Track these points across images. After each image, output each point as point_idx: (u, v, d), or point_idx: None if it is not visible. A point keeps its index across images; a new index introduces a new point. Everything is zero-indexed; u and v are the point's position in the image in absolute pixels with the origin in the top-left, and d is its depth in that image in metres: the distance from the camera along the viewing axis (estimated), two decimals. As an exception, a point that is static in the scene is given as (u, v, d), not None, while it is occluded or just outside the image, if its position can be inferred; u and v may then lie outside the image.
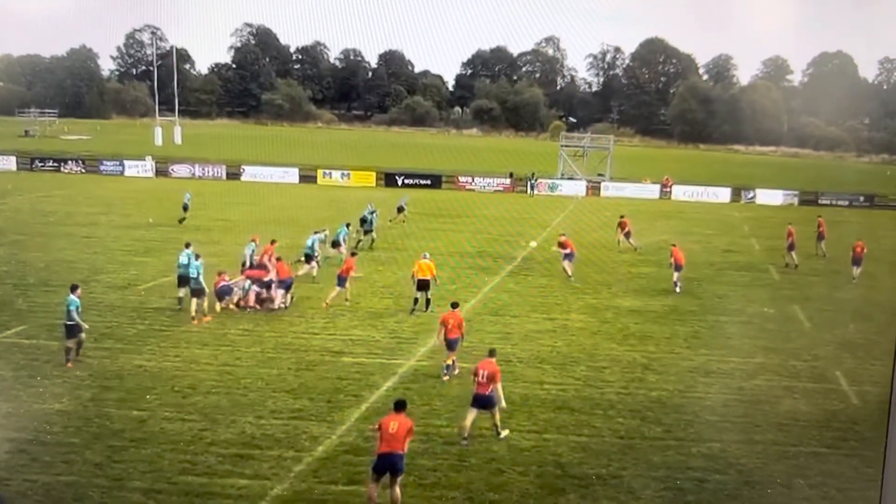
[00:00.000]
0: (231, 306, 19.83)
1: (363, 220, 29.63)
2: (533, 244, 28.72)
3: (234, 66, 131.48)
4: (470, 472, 11.77)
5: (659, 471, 12.09)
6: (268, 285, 20.26)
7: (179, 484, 11.09)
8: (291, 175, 55.37)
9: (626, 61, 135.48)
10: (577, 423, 13.71)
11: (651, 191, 54.40)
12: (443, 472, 11.69)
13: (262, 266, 20.78)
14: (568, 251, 25.15)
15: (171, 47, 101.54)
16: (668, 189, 54.27)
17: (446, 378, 15.57)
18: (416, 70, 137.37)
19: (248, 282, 20.36)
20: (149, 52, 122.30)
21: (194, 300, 18.95)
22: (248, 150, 67.99)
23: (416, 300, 20.37)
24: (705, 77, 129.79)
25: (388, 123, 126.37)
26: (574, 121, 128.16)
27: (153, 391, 14.38)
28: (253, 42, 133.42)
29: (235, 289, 20.09)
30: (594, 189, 54.58)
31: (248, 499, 10.82)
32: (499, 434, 12.85)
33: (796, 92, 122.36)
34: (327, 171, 55.72)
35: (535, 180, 53.25)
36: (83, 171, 55.33)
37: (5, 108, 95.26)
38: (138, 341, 17.12)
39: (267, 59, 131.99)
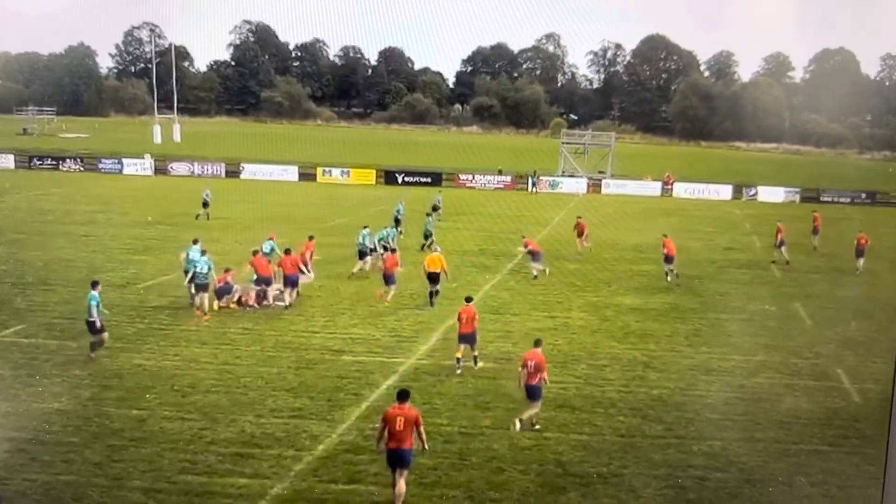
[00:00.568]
0: (231, 305, 19.77)
1: (397, 221, 29.97)
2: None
3: (233, 63, 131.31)
4: (471, 470, 11.73)
5: (660, 469, 12.06)
6: (269, 282, 20.18)
7: (179, 483, 11.06)
8: (291, 173, 55.34)
9: (627, 58, 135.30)
10: (577, 421, 13.67)
11: (652, 188, 54.36)
12: (443, 470, 11.66)
13: (303, 264, 21.10)
14: (529, 249, 24.93)
15: (170, 45, 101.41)
16: (670, 186, 54.23)
17: (459, 371, 15.75)
18: (416, 67, 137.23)
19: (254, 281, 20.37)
20: (147, 49, 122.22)
21: (198, 295, 19.10)
22: (247, 147, 67.94)
23: (430, 293, 20.77)
24: (707, 74, 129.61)
25: (388, 121, 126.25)
26: (575, 118, 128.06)
27: (153, 390, 14.34)
28: (252, 39, 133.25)
29: (236, 287, 20.02)
30: (595, 186, 54.54)
31: (248, 498, 10.78)
32: (534, 426, 13.17)
33: (798, 88, 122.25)
34: (327, 169, 55.69)
35: (537, 178, 53.16)
36: (82, 169, 55.30)
37: (3, 106, 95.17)
38: (137, 340, 17.08)
39: (266, 57, 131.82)
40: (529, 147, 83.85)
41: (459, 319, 15.85)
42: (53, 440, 12.25)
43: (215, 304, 19.63)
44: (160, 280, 22.63)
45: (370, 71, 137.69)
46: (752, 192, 53.52)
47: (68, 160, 56.30)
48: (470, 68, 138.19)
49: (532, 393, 13.05)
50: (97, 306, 15.66)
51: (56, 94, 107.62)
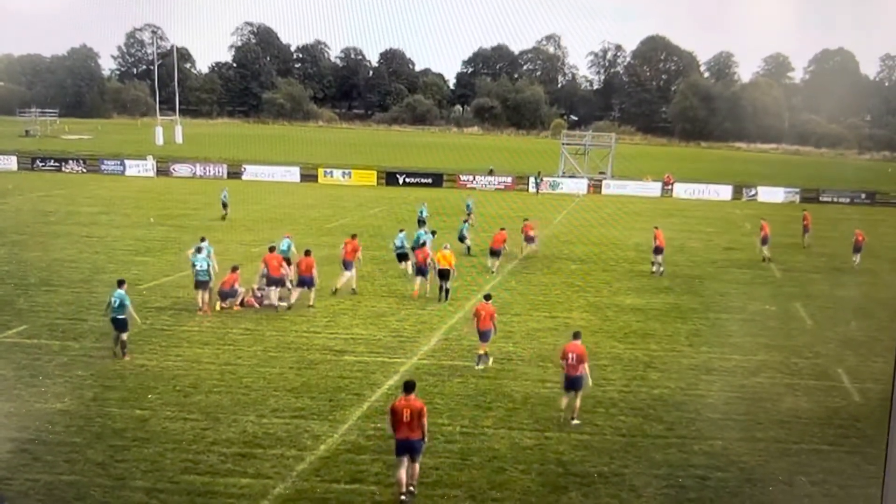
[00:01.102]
0: (235, 307, 19.76)
1: (421, 222, 30.02)
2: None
3: (234, 65, 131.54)
4: (472, 470, 11.76)
5: (661, 468, 12.08)
6: (281, 282, 20.13)
7: (181, 483, 11.09)
8: (292, 174, 55.41)
9: (628, 59, 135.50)
10: (578, 420, 13.69)
11: (652, 189, 54.39)
12: (445, 470, 11.69)
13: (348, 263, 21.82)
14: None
15: (172, 46, 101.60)
16: (670, 187, 54.27)
17: (478, 367, 15.95)
18: (417, 68, 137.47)
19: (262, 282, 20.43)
20: (149, 51, 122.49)
21: (197, 292, 19.40)
22: (249, 149, 68.06)
23: (440, 289, 21.35)
24: (706, 74, 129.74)
25: (389, 122, 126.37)
26: (575, 119, 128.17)
27: (155, 390, 14.38)
28: (254, 41, 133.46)
29: (240, 290, 20.00)
30: (595, 187, 54.58)
31: (250, 498, 10.81)
32: (573, 419, 13.39)
33: (797, 89, 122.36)
34: (328, 170, 55.76)
35: (541, 179, 53.20)
36: (84, 170, 55.40)
37: (6, 108, 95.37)
38: (140, 340, 17.10)
39: (268, 58, 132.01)
40: (530, 148, 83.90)
41: (478, 316, 16.12)
42: (56, 440, 12.28)
43: (217, 305, 19.69)
44: (162, 281, 22.69)
45: (371, 72, 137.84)
46: (752, 192, 53.54)
47: (71, 161, 56.40)
48: (471, 69, 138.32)
49: (575, 384, 13.41)
50: (129, 304, 16.04)
51: (58, 96, 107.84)
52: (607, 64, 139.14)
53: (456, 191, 52.14)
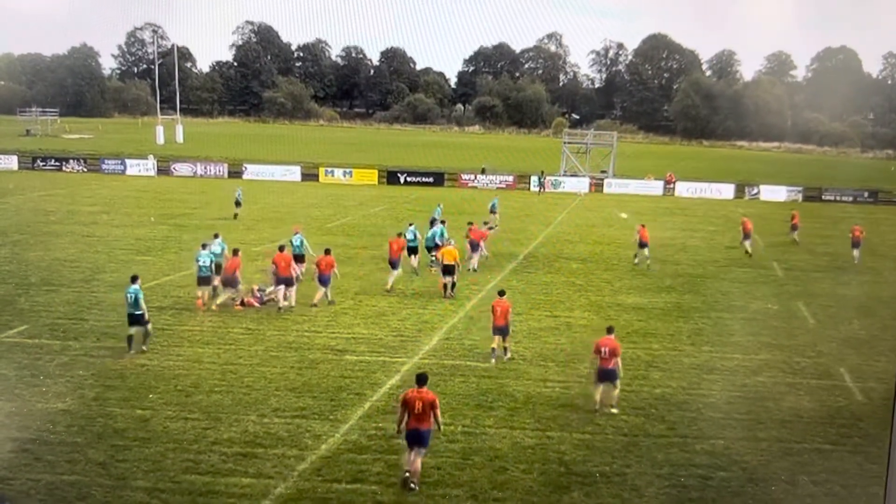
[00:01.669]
0: (236, 307, 19.69)
1: (433, 222, 29.78)
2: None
3: (235, 63, 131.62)
4: (473, 469, 11.74)
5: (663, 468, 12.05)
6: (290, 282, 20.03)
7: (183, 483, 11.07)
8: (293, 173, 55.42)
9: (629, 57, 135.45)
10: (580, 420, 13.67)
11: (654, 187, 54.35)
12: (446, 469, 11.67)
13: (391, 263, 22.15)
14: (473, 241, 24.97)
15: (173, 45, 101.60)
16: (672, 186, 54.22)
17: (494, 361, 16.24)
18: (418, 67, 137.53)
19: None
20: (150, 50, 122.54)
21: (199, 288, 19.65)
22: (249, 148, 68.13)
23: (444, 286, 21.72)
24: (708, 73, 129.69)
25: (390, 121, 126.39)
26: (577, 117, 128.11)
27: (156, 390, 14.37)
28: (254, 40, 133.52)
29: (240, 287, 19.93)
30: (597, 186, 54.54)
31: (252, 497, 10.80)
32: (612, 407, 13.92)
33: (800, 87, 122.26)
34: (329, 169, 55.75)
35: (544, 178, 53.20)
36: (85, 170, 55.43)
37: (7, 108, 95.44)
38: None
39: (268, 57, 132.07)
40: (532, 147, 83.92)
41: (494, 312, 16.41)
42: (57, 440, 12.27)
43: (213, 305, 19.63)
44: (163, 280, 22.68)
45: (372, 71, 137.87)
46: (755, 191, 53.49)
47: (71, 161, 56.44)
48: (472, 68, 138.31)
49: (609, 376, 13.96)
50: (143, 299, 16.27)
51: (59, 96, 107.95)
52: (609, 62, 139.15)
53: (457, 190, 52.15)
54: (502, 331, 16.41)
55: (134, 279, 16.50)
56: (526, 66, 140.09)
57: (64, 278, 22.62)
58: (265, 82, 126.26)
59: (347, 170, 55.81)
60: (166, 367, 15.53)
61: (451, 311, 20.46)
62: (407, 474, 11.07)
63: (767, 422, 13.93)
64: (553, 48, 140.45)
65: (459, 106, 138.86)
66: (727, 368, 16.72)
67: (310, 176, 55.08)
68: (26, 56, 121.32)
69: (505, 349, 16.55)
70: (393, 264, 22.31)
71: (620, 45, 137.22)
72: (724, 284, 25.07)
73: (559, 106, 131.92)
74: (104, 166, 55.64)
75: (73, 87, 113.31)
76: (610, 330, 14.47)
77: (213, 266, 19.87)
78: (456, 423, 13.19)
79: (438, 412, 11.21)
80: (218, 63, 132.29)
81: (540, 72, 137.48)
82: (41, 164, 55.85)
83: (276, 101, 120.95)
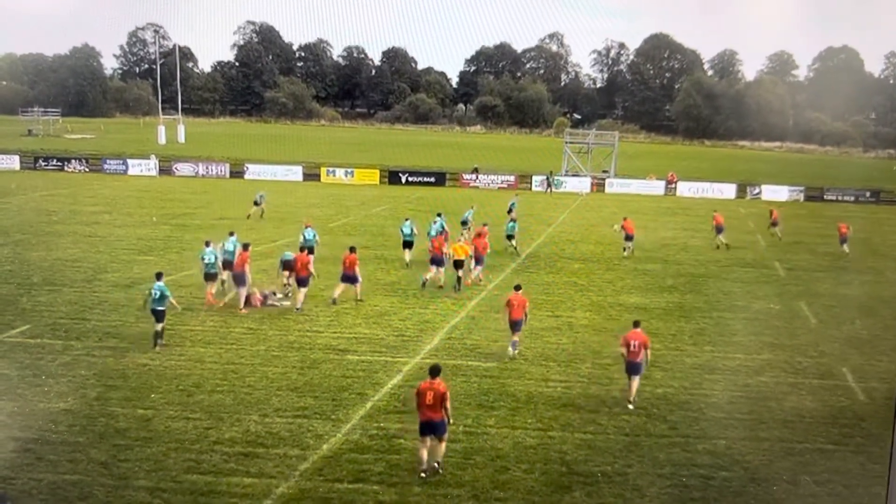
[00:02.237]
0: (241, 311, 19.54)
1: (464, 222, 30.11)
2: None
3: (237, 63, 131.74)
4: (475, 469, 11.74)
5: (664, 468, 12.04)
6: (307, 282, 19.96)
7: (184, 482, 11.08)
8: (295, 173, 55.43)
9: (631, 57, 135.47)
10: (582, 420, 13.67)
11: (656, 187, 54.32)
12: (448, 469, 11.66)
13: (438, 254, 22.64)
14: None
15: (174, 45, 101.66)
16: (673, 185, 54.19)
17: (514, 353, 16.64)
18: (420, 67, 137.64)
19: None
20: (151, 50, 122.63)
21: (207, 284, 19.93)
22: (251, 148, 68.10)
23: (457, 278, 22.39)
24: (710, 72, 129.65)
25: (392, 121, 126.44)
26: (579, 117, 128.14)
27: (158, 390, 14.38)
28: (256, 40, 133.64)
29: (249, 280, 19.77)
30: (599, 186, 54.51)
31: (253, 497, 10.80)
32: (630, 403, 14.20)
33: (802, 87, 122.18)
34: (331, 169, 55.77)
35: (553, 178, 53.25)
36: (86, 169, 55.48)
37: (9, 108, 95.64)
38: (143, 340, 17.09)
39: (270, 57, 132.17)
40: (533, 147, 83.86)
41: (510, 306, 16.68)
42: (59, 440, 12.28)
43: (220, 302, 19.68)
44: (164, 280, 22.62)
45: (374, 71, 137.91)
46: (756, 190, 53.43)
47: (73, 161, 56.49)
48: (473, 68, 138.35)
49: (636, 369, 14.31)
50: (170, 295, 16.73)
51: (61, 96, 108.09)
52: (610, 62, 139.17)
53: (458, 189, 52.13)
54: (517, 325, 16.71)
55: (159, 276, 16.99)
56: (527, 65, 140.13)
57: (66, 278, 22.64)
58: (267, 82, 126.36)
59: (349, 170, 55.83)
60: (168, 367, 15.54)
61: (452, 310, 20.46)
62: (422, 466, 11.39)
63: (769, 422, 13.92)
64: (555, 48, 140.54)
65: (461, 106, 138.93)
66: (729, 368, 16.70)
67: (311, 176, 55.09)
68: (28, 56, 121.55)
69: (515, 343, 16.78)
70: (437, 261, 22.55)
71: (622, 45, 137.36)
72: (725, 284, 25.05)
73: (561, 106, 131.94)
74: (106, 166, 55.67)
75: (74, 87, 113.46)
76: (637, 324, 14.83)
77: (219, 263, 20.21)
78: (457, 423, 13.16)
79: (448, 404, 11.50)
80: (219, 63, 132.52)
81: (541, 71, 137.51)
82: (43, 164, 55.90)
83: (278, 101, 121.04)
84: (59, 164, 55.92)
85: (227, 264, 20.68)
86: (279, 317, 19.26)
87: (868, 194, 53.54)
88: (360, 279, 20.69)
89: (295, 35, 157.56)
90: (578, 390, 15.03)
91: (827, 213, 44.06)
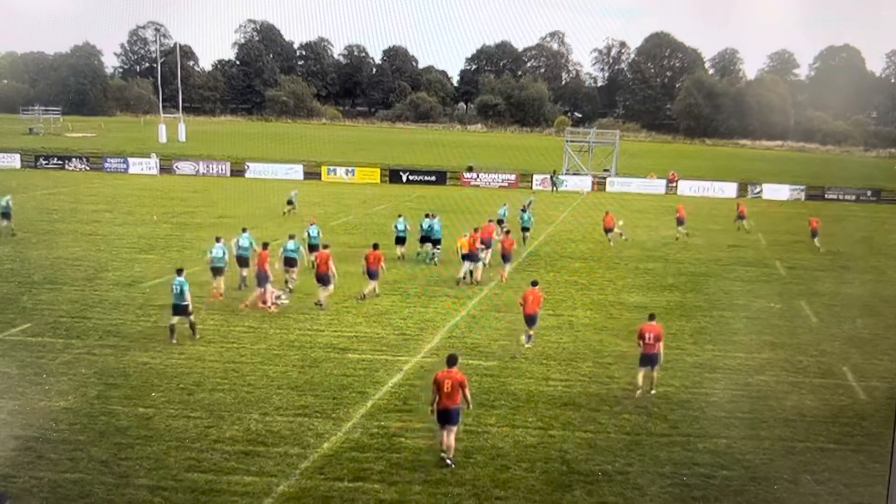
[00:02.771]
0: (259, 304, 19.49)
1: (500, 222, 30.23)
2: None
3: (237, 62, 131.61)
4: (476, 468, 11.74)
5: (665, 467, 12.05)
6: (326, 281, 19.93)
7: (185, 481, 11.09)
8: (296, 172, 55.39)
9: (632, 56, 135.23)
10: (582, 419, 13.67)
11: (657, 186, 54.28)
12: (449, 468, 11.66)
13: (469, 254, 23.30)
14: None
15: (175, 44, 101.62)
16: (674, 184, 54.15)
17: (527, 345, 17.16)
18: (421, 66, 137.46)
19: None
20: (152, 49, 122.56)
21: (215, 279, 20.27)
22: (252, 146, 68.08)
23: (468, 271, 23.27)
24: (711, 71, 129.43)
25: (393, 120, 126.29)
26: (579, 116, 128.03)
27: (158, 388, 14.38)
28: (257, 38, 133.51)
29: (271, 278, 19.77)
30: (599, 184, 54.49)
31: (254, 496, 10.81)
32: (651, 390, 14.70)
33: (803, 86, 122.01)
34: (332, 168, 55.76)
35: (557, 177, 53.38)
36: (87, 168, 55.50)
37: (9, 106, 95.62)
38: (143, 339, 17.13)
39: (271, 56, 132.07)
40: (534, 145, 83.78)
41: (525, 301, 17.20)
42: (60, 438, 12.29)
43: (242, 305, 19.57)
44: (165, 279, 22.58)
45: (374, 70, 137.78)
46: (757, 189, 53.39)
47: (74, 159, 56.51)
48: (474, 66, 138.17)
49: (652, 360, 14.61)
50: (188, 290, 16.97)
51: (61, 94, 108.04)
52: (611, 61, 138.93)
53: (459, 188, 52.11)
54: (531, 319, 17.21)
55: (180, 271, 17.23)
56: (528, 64, 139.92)
57: (67, 276, 22.65)
58: (267, 81, 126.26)
59: (350, 168, 55.82)
60: (169, 366, 15.55)
61: (453, 309, 20.46)
62: (443, 454, 11.69)
63: (770, 420, 13.92)
64: (555, 46, 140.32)
65: (462, 104, 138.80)
66: (730, 367, 16.70)
67: (312, 174, 55.07)
68: (29, 54, 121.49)
69: (529, 336, 17.34)
70: (471, 257, 23.26)
71: (623, 44, 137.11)
72: (726, 283, 25.04)
73: (562, 104, 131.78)
74: (107, 165, 55.68)
75: (75, 86, 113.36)
76: (652, 316, 15.14)
77: (227, 258, 20.55)
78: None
79: (468, 391, 11.89)
80: (220, 61, 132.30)
81: (542, 70, 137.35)
82: (44, 162, 55.92)
83: (279, 99, 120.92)
84: (59, 162, 55.94)
85: (241, 260, 21.15)
86: (280, 315, 19.26)
87: (869, 193, 53.49)
88: (377, 277, 21.19)
89: (296, 33, 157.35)
90: (579, 389, 15.03)
91: (828, 212, 44.02)
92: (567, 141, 60.96)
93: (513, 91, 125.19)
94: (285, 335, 17.72)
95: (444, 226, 26.77)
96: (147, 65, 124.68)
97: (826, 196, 52.74)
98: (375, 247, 21.33)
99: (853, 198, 52.77)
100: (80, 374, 14.96)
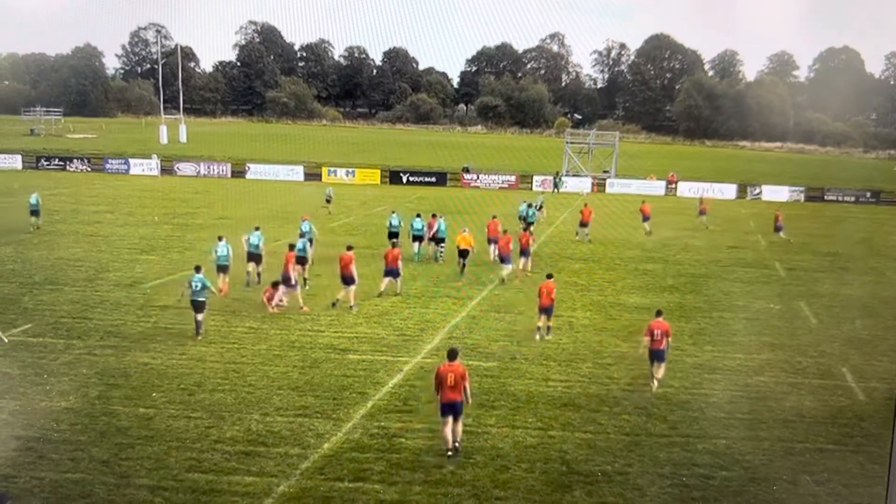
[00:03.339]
0: (265, 301, 19.55)
1: (522, 217, 32.04)
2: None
3: (238, 63, 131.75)
4: (475, 468, 11.77)
5: (664, 467, 12.07)
6: (353, 280, 19.91)
7: (186, 481, 11.12)
8: (296, 173, 55.49)
9: (632, 57, 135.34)
10: (582, 419, 13.69)
11: (656, 187, 54.32)
12: (448, 468, 11.70)
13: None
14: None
15: (176, 45, 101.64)
16: (674, 186, 54.20)
17: (538, 338, 17.82)
18: (421, 67, 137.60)
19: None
20: (153, 50, 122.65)
21: (219, 276, 20.51)
22: (252, 147, 68.14)
23: (462, 265, 24.25)
24: (711, 73, 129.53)
25: (393, 121, 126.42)
26: (579, 117, 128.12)
27: (159, 389, 14.41)
28: (257, 40, 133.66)
29: (295, 280, 19.82)
30: (599, 186, 54.53)
31: (254, 496, 10.83)
32: (656, 382, 14.97)
33: (802, 87, 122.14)
34: (332, 169, 55.81)
35: (559, 178, 53.49)
36: (88, 169, 55.55)
37: (11, 107, 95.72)
38: (144, 339, 17.16)
39: (271, 57, 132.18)
40: (534, 147, 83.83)
41: (540, 294, 17.80)
42: (61, 438, 12.31)
43: (270, 308, 19.49)
44: (166, 279, 22.72)
45: (375, 71, 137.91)
46: (757, 191, 53.45)
47: (75, 160, 56.56)
48: (474, 68, 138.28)
49: (660, 356, 14.98)
50: (210, 285, 17.49)
51: (63, 95, 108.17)
52: (611, 62, 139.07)
53: (459, 189, 52.15)
54: (547, 311, 17.82)
55: (198, 269, 17.56)
56: (528, 66, 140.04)
57: (68, 277, 22.68)
58: (268, 82, 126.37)
59: (350, 169, 55.87)
60: (170, 366, 15.58)
61: (453, 310, 20.50)
62: (449, 453, 11.94)
63: (769, 421, 13.95)
64: (555, 48, 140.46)
65: (462, 106, 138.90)
66: (729, 368, 16.73)
67: (313, 175, 55.14)
68: (30, 56, 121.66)
69: (548, 328, 18.01)
70: (504, 259, 23.74)
71: (623, 46, 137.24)
72: (726, 284, 25.06)
73: (561, 106, 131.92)
74: (108, 166, 55.74)
75: (76, 87, 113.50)
76: (659, 313, 15.53)
77: (230, 255, 20.83)
78: (458, 422, 13.21)
79: (468, 384, 12.12)
80: (221, 63, 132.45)
81: (542, 72, 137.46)
82: (45, 163, 55.97)
83: (279, 100, 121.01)
84: (61, 163, 55.98)
85: (252, 257, 21.70)
86: (280, 316, 19.29)
87: (868, 195, 53.54)
88: (400, 273, 21.71)
89: (296, 35, 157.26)
90: (579, 390, 15.05)
91: (827, 214, 44.09)
92: (567, 142, 61.03)
93: (513, 92, 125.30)
94: (286, 336, 17.75)
95: (447, 226, 26.86)
96: (148, 66, 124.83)
97: (825, 197, 52.79)
98: (394, 245, 22.55)
99: (852, 199, 52.83)
100: (81, 375, 14.99)
